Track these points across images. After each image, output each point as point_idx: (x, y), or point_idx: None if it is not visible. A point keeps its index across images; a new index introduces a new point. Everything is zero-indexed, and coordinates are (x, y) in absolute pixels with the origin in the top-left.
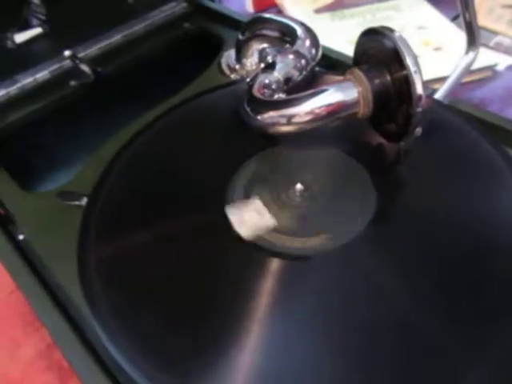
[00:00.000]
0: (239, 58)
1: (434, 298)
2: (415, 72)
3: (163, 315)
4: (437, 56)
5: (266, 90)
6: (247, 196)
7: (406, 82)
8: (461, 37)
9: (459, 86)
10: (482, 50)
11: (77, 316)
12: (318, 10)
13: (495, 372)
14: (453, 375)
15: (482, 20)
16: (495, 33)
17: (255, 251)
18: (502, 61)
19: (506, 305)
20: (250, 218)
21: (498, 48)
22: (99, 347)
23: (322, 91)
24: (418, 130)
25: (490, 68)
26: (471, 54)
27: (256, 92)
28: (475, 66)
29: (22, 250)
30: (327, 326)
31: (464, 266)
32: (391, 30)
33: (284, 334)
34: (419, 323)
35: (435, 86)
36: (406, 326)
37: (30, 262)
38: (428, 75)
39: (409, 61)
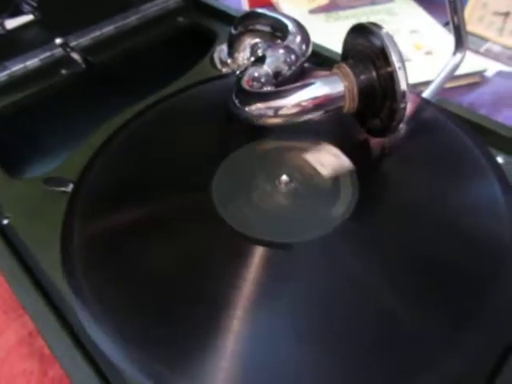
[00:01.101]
0: (231, 52)
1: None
2: (399, 68)
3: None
4: (428, 60)
5: (255, 83)
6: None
7: (391, 78)
8: (452, 42)
9: (449, 90)
10: (472, 56)
11: (60, 302)
12: (313, 11)
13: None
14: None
15: (473, 26)
16: (485, 39)
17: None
18: (491, 67)
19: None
20: (328, 160)
21: (487, 54)
22: (82, 333)
23: (309, 84)
24: (402, 126)
25: (480, 73)
26: (458, 56)
27: (245, 84)
28: (465, 71)
29: (5, 235)
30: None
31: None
32: (379, 27)
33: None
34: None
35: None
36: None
37: (14, 248)
38: (418, 78)
39: (394, 57)
